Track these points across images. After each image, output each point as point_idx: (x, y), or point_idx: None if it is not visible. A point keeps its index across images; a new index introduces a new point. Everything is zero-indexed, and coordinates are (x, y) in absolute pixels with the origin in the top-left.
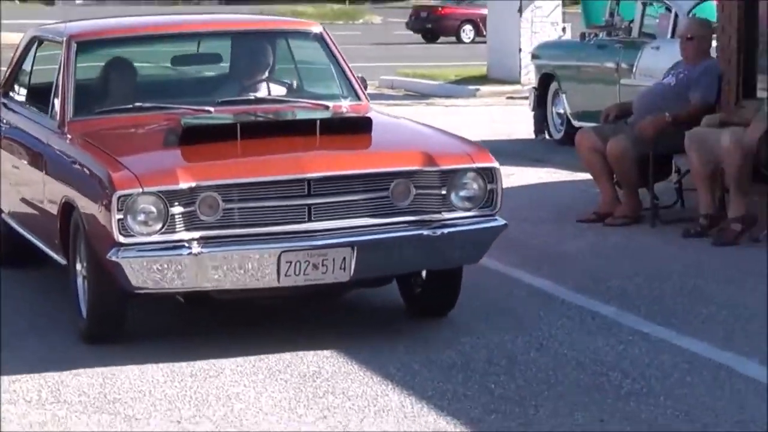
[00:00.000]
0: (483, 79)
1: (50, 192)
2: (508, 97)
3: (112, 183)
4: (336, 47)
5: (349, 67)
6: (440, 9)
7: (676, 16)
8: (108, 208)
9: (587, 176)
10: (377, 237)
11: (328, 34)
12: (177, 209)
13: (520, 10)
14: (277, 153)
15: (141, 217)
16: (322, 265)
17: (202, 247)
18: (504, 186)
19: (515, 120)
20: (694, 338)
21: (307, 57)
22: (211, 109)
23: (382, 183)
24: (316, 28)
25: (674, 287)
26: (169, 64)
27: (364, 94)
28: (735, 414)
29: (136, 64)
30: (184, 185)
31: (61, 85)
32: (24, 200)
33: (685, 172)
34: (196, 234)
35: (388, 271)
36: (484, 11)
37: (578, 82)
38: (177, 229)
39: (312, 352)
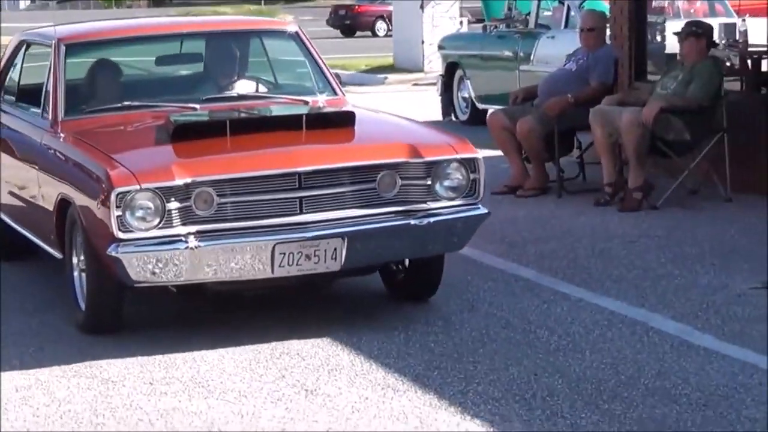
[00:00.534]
0: (390, 69)
1: (46, 189)
2: (414, 84)
3: (110, 180)
4: (311, 45)
5: (324, 63)
6: (357, 7)
7: (569, 9)
8: (106, 205)
9: (496, 153)
10: (367, 227)
11: (303, 33)
12: (173, 204)
13: (422, 7)
14: (267, 148)
15: (139, 213)
16: (314, 255)
17: (198, 241)
18: None
19: (423, 104)
20: (609, 297)
21: (283, 55)
22: (197, 106)
23: (369, 175)
24: (292, 28)
25: (586, 251)
26: (148, 65)
27: (340, 89)
28: (655, 366)
29: (120, 65)
30: (179, 181)
31: (51, 86)
32: (18, 197)
33: (587, 146)
34: (192, 228)
35: (376, 260)
36: None
37: (481, 69)
38: (174, 224)
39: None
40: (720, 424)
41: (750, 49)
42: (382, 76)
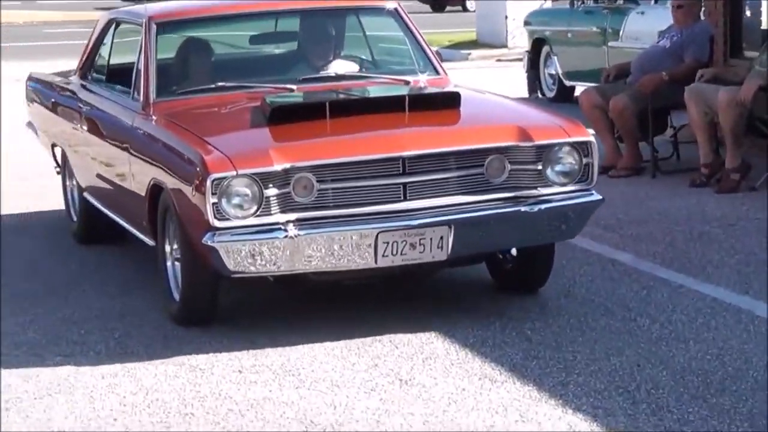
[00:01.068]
0: (474, 44)
1: (137, 173)
2: (497, 60)
3: (205, 166)
4: (411, 21)
5: (425, 41)
6: None
7: None
8: (202, 191)
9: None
10: (474, 215)
11: (402, 9)
12: (271, 191)
13: None
14: (369, 131)
15: (236, 201)
16: (420, 244)
17: (298, 230)
18: None
19: (508, 81)
20: (711, 283)
21: (382, 32)
22: (294, 87)
23: (476, 160)
24: (391, 4)
25: (684, 234)
26: (239, 44)
27: (442, 68)
28: (763, 357)
29: (211, 44)
30: (278, 167)
31: (143, 67)
32: (107, 180)
33: (680, 126)
34: (292, 216)
35: (484, 249)
36: None
37: (568, 45)
38: (272, 212)
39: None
40: None
41: None
42: (466, 51)
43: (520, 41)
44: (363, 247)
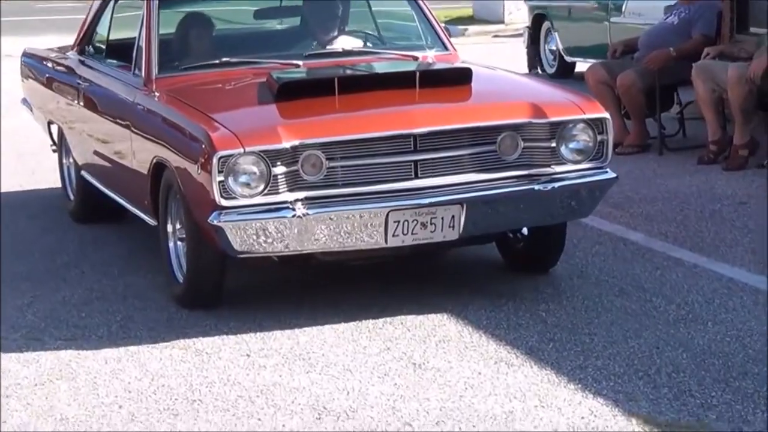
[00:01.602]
0: (470, 20)
1: (138, 151)
2: (494, 36)
3: (211, 143)
4: None
5: (434, 16)
6: None
7: None
8: (207, 169)
9: None
10: (487, 193)
11: None
12: (279, 169)
13: None
14: (378, 108)
15: (243, 179)
16: (431, 223)
17: (306, 209)
18: None
19: (506, 57)
20: (726, 263)
21: (388, 7)
22: (300, 62)
23: (489, 137)
24: None
25: (695, 212)
26: (242, 19)
27: (450, 43)
28: None
29: (213, 18)
30: (286, 144)
31: (144, 42)
32: (106, 158)
33: (687, 103)
34: (300, 194)
35: (497, 228)
36: None
37: (569, 21)
38: (280, 190)
39: (365, 289)
40: None
41: None
42: (462, 27)
43: (517, 17)
44: (373, 226)
